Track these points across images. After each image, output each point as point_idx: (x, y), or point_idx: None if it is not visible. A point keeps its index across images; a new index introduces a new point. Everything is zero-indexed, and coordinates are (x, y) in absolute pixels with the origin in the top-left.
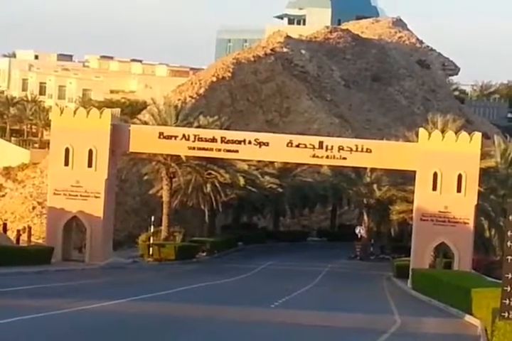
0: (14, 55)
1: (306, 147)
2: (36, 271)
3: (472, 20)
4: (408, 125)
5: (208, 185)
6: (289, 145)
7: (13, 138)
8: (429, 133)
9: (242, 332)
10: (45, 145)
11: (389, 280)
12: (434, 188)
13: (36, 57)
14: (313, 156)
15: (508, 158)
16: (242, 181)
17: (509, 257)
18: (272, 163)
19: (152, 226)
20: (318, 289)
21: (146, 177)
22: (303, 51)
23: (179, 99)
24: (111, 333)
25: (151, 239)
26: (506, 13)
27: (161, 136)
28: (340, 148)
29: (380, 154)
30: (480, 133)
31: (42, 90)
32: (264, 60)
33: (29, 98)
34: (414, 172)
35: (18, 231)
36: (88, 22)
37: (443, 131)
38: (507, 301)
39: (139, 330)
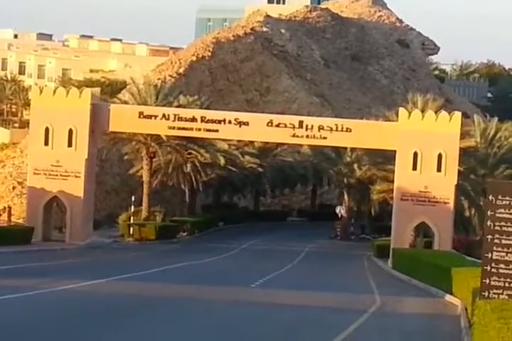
0: None
1: (286, 126)
2: (16, 250)
3: (452, 0)
4: (388, 104)
5: (188, 165)
6: (269, 124)
7: None
8: (409, 113)
9: (221, 312)
10: (24, 124)
11: (369, 260)
12: (414, 168)
13: (15, 36)
14: (294, 136)
15: (487, 138)
16: (222, 161)
17: (489, 237)
18: (252, 142)
19: (132, 206)
20: (298, 269)
21: (126, 157)
22: (282, 30)
23: (159, 79)
24: (86, 313)
25: (132, 218)
26: None
27: (141, 116)
28: (320, 128)
29: (360, 134)
30: (460, 113)
31: (21, 69)
32: (244, 40)
33: (8, 77)
34: (395, 151)
35: (0, 211)
36: (68, 1)
37: (423, 111)
38: (487, 280)
39: (114, 310)
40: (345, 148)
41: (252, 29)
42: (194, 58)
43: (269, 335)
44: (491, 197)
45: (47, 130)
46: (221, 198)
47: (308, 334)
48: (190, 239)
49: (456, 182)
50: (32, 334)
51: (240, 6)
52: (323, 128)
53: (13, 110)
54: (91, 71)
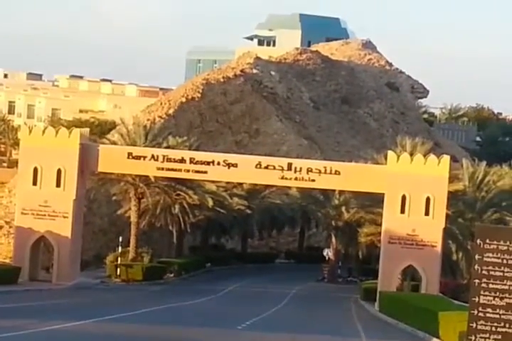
0: None
1: (274, 168)
2: (3, 290)
3: (442, 44)
4: (377, 147)
5: (177, 206)
6: (258, 166)
7: None
8: (398, 156)
9: None
10: (13, 164)
11: (356, 303)
12: (402, 211)
13: (5, 75)
14: (282, 178)
15: (476, 182)
16: (210, 202)
17: (476, 281)
18: (240, 184)
19: (120, 247)
20: (285, 311)
21: (114, 198)
22: (272, 72)
23: (148, 119)
24: None
25: (119, 259)
26: (474, 36)
27: (130, 156)
28: (309, 170)
29: (348, 176)
30: (448, 157)
31: (11, 109)
32: (234, 81)
33: None
34: (383, 194)
35: None
36: (58, 41)
37: (411, 154)
38: (474, 325)
39: None
40: (334, 191)
41: (242, 71)
42: (184, 99)
43: None
44: (478, 241)
45: (35, 170)
46: (209, 240)
47: None
48: (177, 280)
49: (444, 226)
50: None
51: (230, 48)
52: (311, 171)
53: (2, 149)
54: (80, 111)
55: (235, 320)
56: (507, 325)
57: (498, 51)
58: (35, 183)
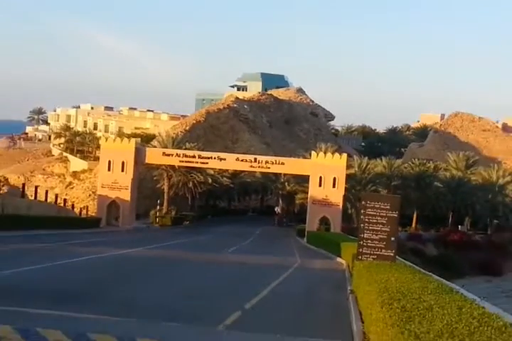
0: (79, 106)
1: (246, 161)
2: (91, 231)
3: (342, 88)
4: (306, 149)
5: (190, 183)
6: (237, 160)
7: (78, 155)
8: (317, 154)
9: (216, 267)
10: (96, 158)
11: (293, 238)
12: (320, 185)
13: (92, 108)
14: (251, 166)
15: (361, 168)
16: (210, 180)
17: (362, 224)
18: (227, 170)
19: (158, 206)
20: (253, 242)
21: (155, 178)
22: (245, 106)
23: (174, 133)
24: (131, 266)
25: (157, 213)
26: (362, 84)
27: (163, 154)
28: (266, 162)
29: (289, 165)
30: (346, 154)
31: (95, 127)
32: (223, 111)
33: (87, 131)
34: (309, 176)
35: (81, 209)
36: (122, 85)
37: (325, 153)
38: (361, 250)
39: (146, 265)
40: (281, 174)
41: (227, 105)
42: (194, 121)
43: (242, 279)
44: (363, 202)
45: (109, 162)
46: (209, 202)
47: (261, 279)
48: (191, 225)
49: (343, 194)
50: (102, 277)
51: (221, 92)
52: (267, 162)
53: (90, 150)
54: (135, 128)
55: (224, 248)
56: (378, 250)
57: (378, 93)
58: (109, 169)
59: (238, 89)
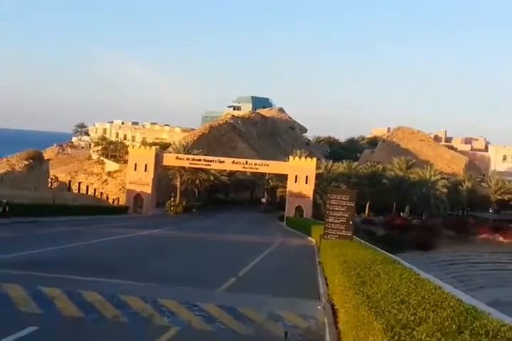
0: (112, 122)
1: (240, 163)
2: (120, 217)
3: (314, 107)
4: (286, 154)
5: (197, 180)
6: (233, 162)
7: (111, 159)
8: (294, 158)
9: (220, 244)
10: (126, 161)
11: (276, 223)
12: (296, 182)
13: (122, 123)
14: (243, 167)
15: (328, 169)
16: (212, 178)
17: (327, 212)
18: (225, 170)
19: (172, 198)
20: (244, 225)
21: (170, 176)
22: (240, 122)
23: (185, 142)
24: (154, 242)
25: (172, 203)
26: (332, 105)
27: (177, 158)
28: (255, 164)
29: (273, 167)
30: (315, 158)
31: (125, 137)
32: (223, 126)
33: (119, 141)
34: (287, 175)
35: (113, 200)
36: (146, 106)
37: (300, 157)
38: (326, 231)
39: (165, 242)
40: (266, 173)
41: (226, 121)
42: (201, 133)
43: (237, 252)
44: (328, 195)
45: (135, 164)
46: (211, 195)
47: (249, 254)
48: (197, 212)
49: (314, 188)
50: (132, 249)
51: (221, 111)
52: (256, 164)
53: (121, 155)
54: (156, 138)
55: (225, 229)
56: (340, 231)
57: (347, 108)
58: (135, 170)
59: (234, 109)
